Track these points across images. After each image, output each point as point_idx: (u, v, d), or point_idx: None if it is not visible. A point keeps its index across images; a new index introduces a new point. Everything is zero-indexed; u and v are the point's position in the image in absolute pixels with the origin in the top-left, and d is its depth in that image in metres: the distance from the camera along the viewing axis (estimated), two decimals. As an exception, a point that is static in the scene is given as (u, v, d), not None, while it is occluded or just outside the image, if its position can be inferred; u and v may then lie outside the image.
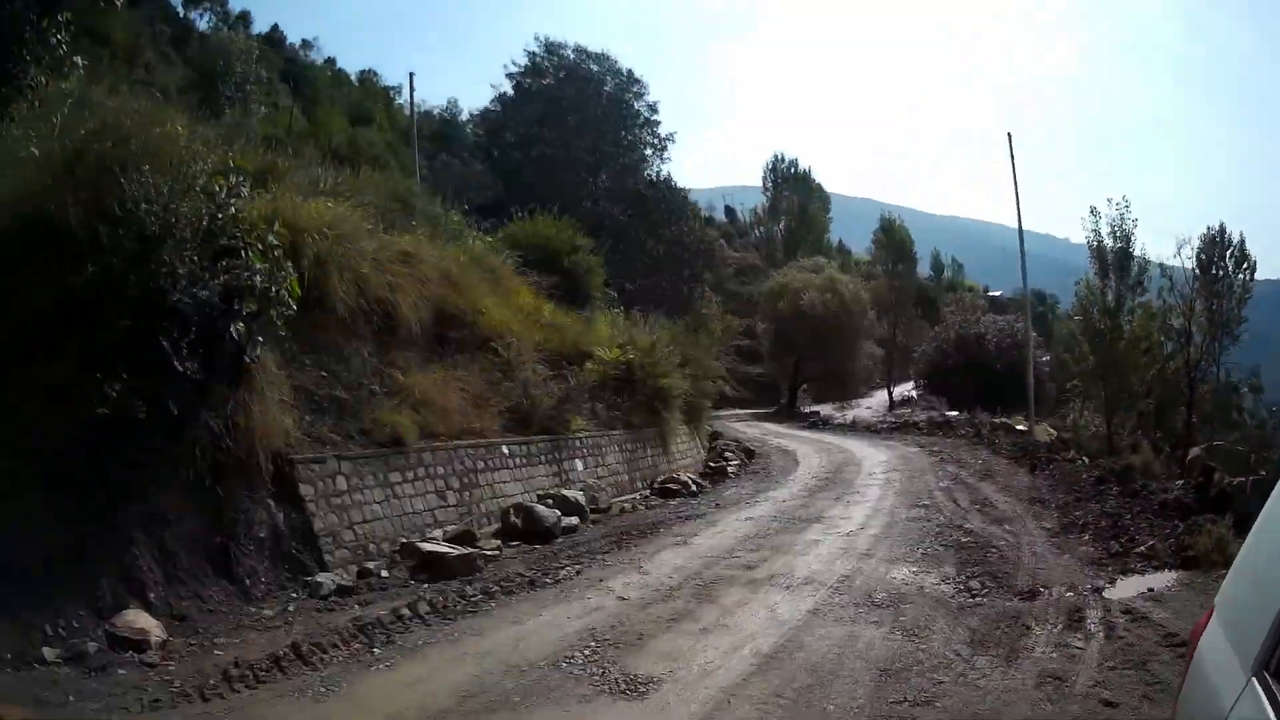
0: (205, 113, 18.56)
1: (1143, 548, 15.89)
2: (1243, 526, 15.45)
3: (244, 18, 65.26)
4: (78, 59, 13.89)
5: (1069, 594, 12.90)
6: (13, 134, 11.22)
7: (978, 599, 12.68)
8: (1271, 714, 2.88)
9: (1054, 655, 10.17)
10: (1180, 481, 22.63)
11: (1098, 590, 13.22)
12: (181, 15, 60.77)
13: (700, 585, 13.13)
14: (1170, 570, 14.63)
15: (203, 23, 61.80)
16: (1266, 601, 3.27)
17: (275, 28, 73.32)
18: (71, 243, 10.00)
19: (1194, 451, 27.07)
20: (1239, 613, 3.69)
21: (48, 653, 8.80)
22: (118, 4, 18.34)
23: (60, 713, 7.78)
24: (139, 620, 9.62)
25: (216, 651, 9.65)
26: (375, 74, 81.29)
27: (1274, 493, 3.79)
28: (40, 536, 9.32)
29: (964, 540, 16.81)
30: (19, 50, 12.61)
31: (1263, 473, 21.22)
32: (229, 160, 12.20)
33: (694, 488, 24.53)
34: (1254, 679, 3.12)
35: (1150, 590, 13.19)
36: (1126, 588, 13.55)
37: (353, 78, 78.86)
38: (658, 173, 59.34)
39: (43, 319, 9.98)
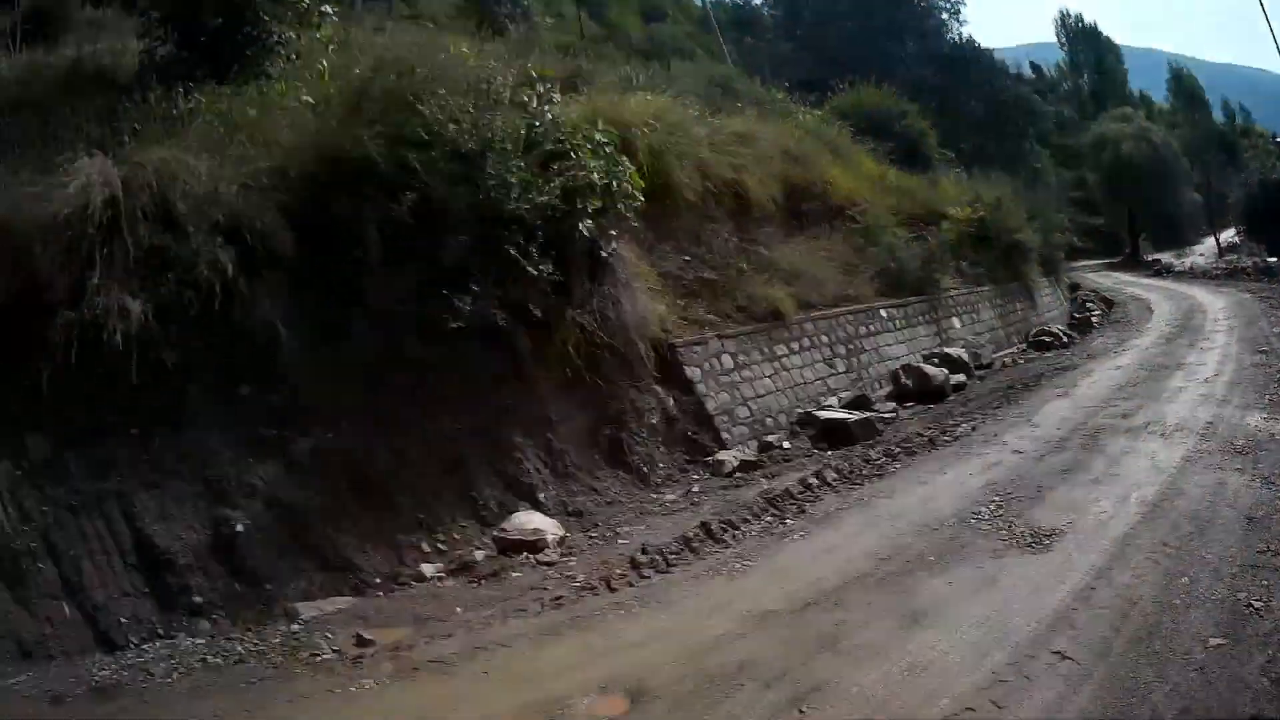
0: (487, 33, 17.66)
1: None
2: None
3: None
4: (326, 8, 13.34)
5: None
6: (276, 89, 10.86)
7: None
8: None
9: None
10: None
11: None
12: None
13: (1086, 435, 12.68)
14: None
15: None
16: None
17: None
18: (381, 173, 9.47)
19: None
20: None
21: (427, 569, 8.46)
22: None
23: (442, 627, 7.33)
24: (531, 521, 9.19)
25: (620, 541, 9.32)
26: None
27: None
28: (414, 457, 9.03)
29: None
30: (254, 14, 11.90)
31: None
32: (530, 71, 11.68)
33: (1064, 339, 23.60)
34: None
35: None
36: None
37: None
38: (959, 34, 56.68)
39: (370, 247, 9.46)
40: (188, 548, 7.77)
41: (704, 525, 9.09)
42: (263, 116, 10.08)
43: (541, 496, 9.71)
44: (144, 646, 7.22)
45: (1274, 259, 45.47)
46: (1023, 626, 6.74)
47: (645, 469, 11.06)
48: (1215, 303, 31.20)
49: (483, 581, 8.35)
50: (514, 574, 8.47)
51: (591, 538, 9.43)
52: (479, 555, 8.74)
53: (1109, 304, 32.79)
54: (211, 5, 11.44)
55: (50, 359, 7.61)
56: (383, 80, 10.22)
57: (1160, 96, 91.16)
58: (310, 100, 10.32)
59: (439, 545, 8.85)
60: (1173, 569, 7.75)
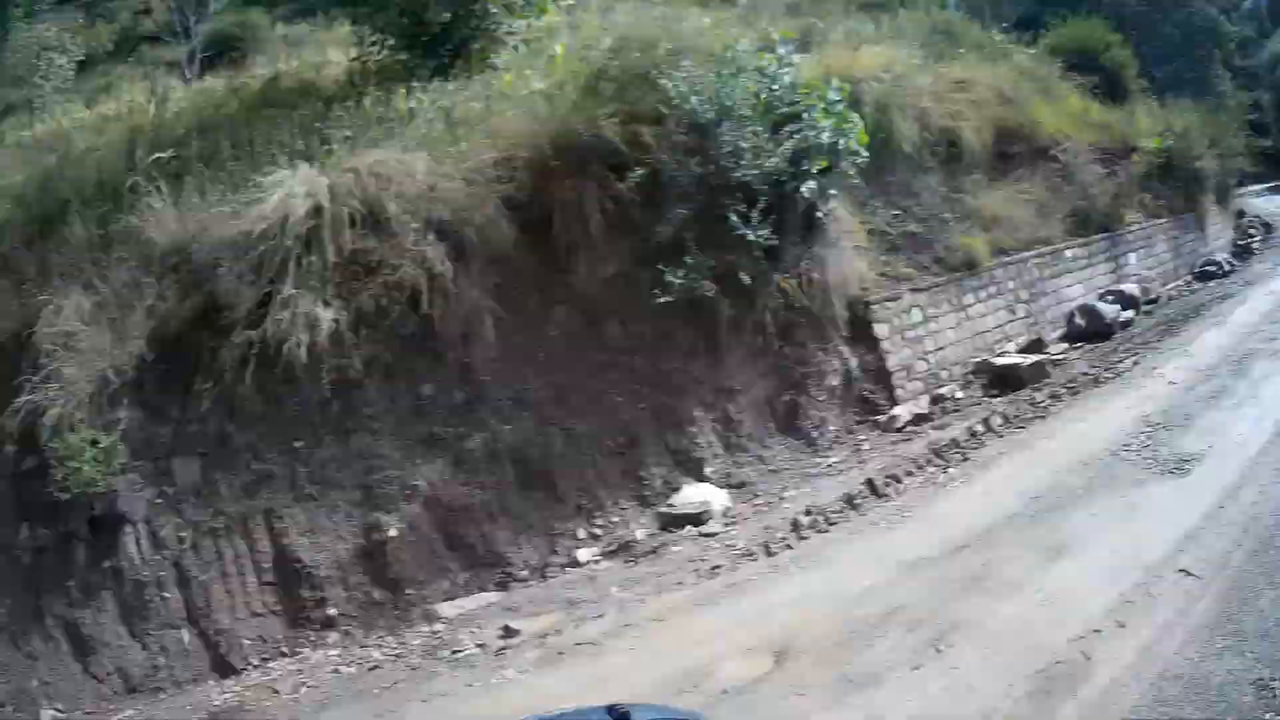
0: (716, 2, 15.86)
1: None
2: None
3: None
4: None
5: None
6: (504, 79, 10.09)
7: None
8: None
9: None
10: None
11: None
12: None
13: (1234, 361, 11.83)
14: None
15: None
16: None
17: None
18: (611, 151, 8.59)
19: None
20: None
21: (583, 555, 7.70)
22: None
23: (594, 609, 6.67)
24: (696, 495, 8.26)
25: (784, 505, 8.35)
26: None
27: None
28: (583, 443, 8.19)
29: None
30: (483, 7, 11.09)
31: None
32: (770, 35, 10.44)
33: (1227, 267, 20.65)
34: None
35: None
36: None
37: None
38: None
39: (591, 227, 8.59)
40: (332, 559, 7.16)
41: (869, 482, 8.36)
42: (489, 109, 9.38)
43: (708, 470, 8.67)
44: (269, 665, 6.72)
45: None
46: (1155, 548, 6.54)
47: (815, 433, 9.73)
48: None
49: (641, 559, 7.57)
50: (674, 548, 7.66)
51: (757, 505, 8.45)
52: (639, 534, 7.92)
53: (1269, 229, 28.89)
54: (440, 1, 10.73)
55: (218, 379, 7.02)
56: (624, 59, 9.29)
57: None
58: (541, 87, 9.50)
59: (595, 530, 7.99)
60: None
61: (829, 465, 9.30)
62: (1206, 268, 20.08)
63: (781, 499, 8.51)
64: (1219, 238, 23.88)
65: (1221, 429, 9.07)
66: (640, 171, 8.51)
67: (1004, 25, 24.94)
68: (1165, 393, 10.58)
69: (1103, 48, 25.33)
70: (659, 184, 8.65)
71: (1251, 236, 25.86)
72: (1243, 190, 36.97)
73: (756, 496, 8.59)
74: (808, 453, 9.50)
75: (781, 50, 9.82)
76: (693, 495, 8.20)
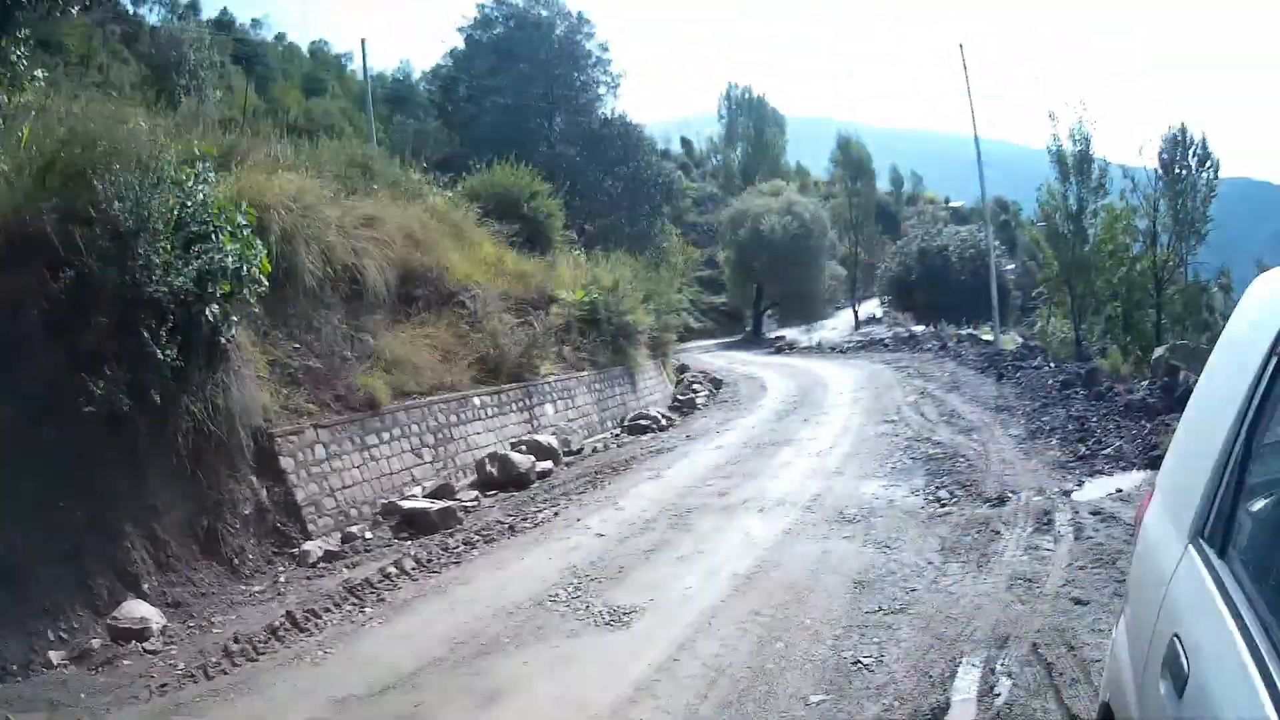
0: (163, 105, 18.46)
1: (1110, 449, 16.40)
2: None
3: (193, 6, 66.27)
4: (38, 72, 14.06)
5: (1037, 498, 13.39)
6: None
7: (947, 508, 13.26)
8: (1206, 576, 3.08)
9: (1024, 558, 10.64)
10: (1145, 382, 23.34)
11: (1066, 493, 13.72)
12: (131, 12, 61.22)
13: (675, 516, 13.61)
14: (1138, 470, 14.94)
15: (153, 16, 62.20)
16: (1195, 473, 3.51)
17: (224, 11, 74.97)
18: (51, 250, 10.00)
19: (1158, 351, 27.34)
20: (1175, 486, 3.92)
21: (54, 656, 8.83)
22: (74, 12, 18.21)
23: (73, 713, 7.80)
24: (138, 610, 9.72)
25: (215, 630, 9.82)
26: (326, 44, 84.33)
27: (1205, 368, 4.05)
28: (41, 544, 9.40)
29: (932, 452, 17.47)
30: None
31: None
32: (194, 148, 12.23)
33: (664, 422, 24.92)
34: (1190, 546, 3.35)
35: (1118, 490, 13.58)
36: (1095, 489, 14.01)
37: (304, 50, 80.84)
38: (611, 111, 59.34)
39: (28, 327, 9.98)
40: None
41: (289, 615, 9.77)
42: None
43: (146, 586, 10.19)
44: None
45: (920, 328, 49.26)
46: (601, 699, 7.56)
47: (236, 560, 11.49)
48: (842, 376, 33.90)
49: (100, 669, 8.74)
50: (125, 661, 8.94)
51: (189, 628, 9.92)
52: (95, 643, 9.12)
53: (717, 384, 34.53)
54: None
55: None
56: (68, 153, 10.68)
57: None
58: (4, 168, 10.60)
59: (62, 634, 9.15)
60: (766, 636, 8.67)
61: (252, 594, 10.93)
62: (639, 421, 24.25)
63: (212, 623, 9.99)
64: (655, 392, 28.52)
65: (664, 583, 10.44)
66: (70, 274, 9.82)
67: (425, 165, 28.96)
68: (593, 545, 12.25)
69: (527, 197, 29.61)
70: (85, 290, 9.99)
71: (696, 392, 31.04)
72: (689, 345, 44.22)
73: (191, 618, 10.10)
74: (232, 579, 11.18)
75: (200, 166, 11.55)
76: (133, 610, 9.62)
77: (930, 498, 13.93)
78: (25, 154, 10.86)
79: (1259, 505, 3.35)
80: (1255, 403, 3.20)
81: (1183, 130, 39.36)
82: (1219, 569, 3.06)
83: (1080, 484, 14.38)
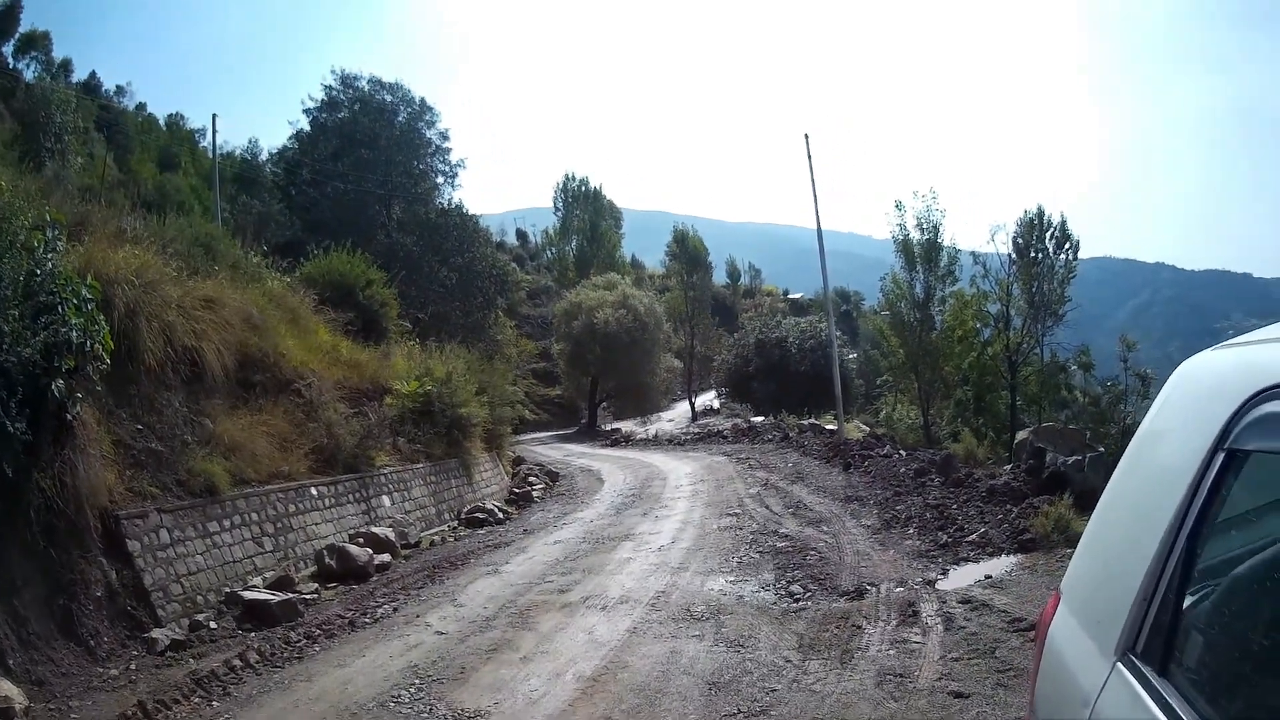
0: (28, 165, 18.52)
1: (974, 536, 16.53)
2: (1084, 505, 15.82)
3: (66, 66, 66.94)
4: None
5: (899, 589, 13.36)
6: None
7: (801, 603, 13.14)
8: (1145, 694, 2.87)
9: (891, 652, 10.52)
10: (1009, 466, 23.47)
11: (930, 583, 13.76)
12: (11, 65, 60.86)
13: (516, 613, 13.60)
14: (1007, 555, 15.24)
15: (29, 72, 62.34)
16: (1122, 581, 3.23)
17: (93, 74, 76.66)
18: None
19: (1022, 434, 27.83)
20: (1092, 595, 3.63)
21: None
22: None
23: None
24: (1, 688, 9.58)
25: (72, 715, 9.82)
26: (182, 117, 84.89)
27: (1120, 464, 3.72)
28: None
29: (780, 545, 17.38)
30: None
31: (1100, 449, 22.20)
32: (45, 214, 12.07)
33: (500, 515, 25.26)
34: (1119, 663, 3.10)
35: (988, 577, 13.74)
36: (961, 577, 14.10)
37: (161, 122, 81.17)
38: (449, 200, 60.44)
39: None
40: None
41: (140, 705, 9.84)
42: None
43: (10, 663, 10.13)
44: None
45: (759, 419, 49.12)
46: None
47: (93, 642, 11.46)
48: (680, 468, 33.82)
49: None
50: None
51: (50, 709, 9.88)
52: None
53: (554, 477, 34.97)
54: None
55: None
56: None
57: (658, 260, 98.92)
58: None
59: None
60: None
61: (108, 678, 10.91)
62: (475, 514, 24.56)
63: (70, 706, 9.97)
64: (491, 484, 28.96)
65: (508, 684, 10.40)
66: None
67: (265, 248, 29.03)
68: (434, 643, 12.23)
69: (363, 285, 30.25)
70: None
71: (532, 485, 31.50)
72: (525, 438, 44.52)
73: (54, 698, 10.10)
74: (89, 661, 11.15)
75: (51, 233, 11.53)
76: None
77: (782, 593, 13.82)
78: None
79: (1204, 606, 3.09)
80: (1199, 502, 2.97)
81: (1040, 214, 41.18)
82: (1161, 688, 2.84)
83: (945, 573, 14.50)
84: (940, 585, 13.64)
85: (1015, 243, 41.43)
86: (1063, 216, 41.37)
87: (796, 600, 13.37)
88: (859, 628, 11.55)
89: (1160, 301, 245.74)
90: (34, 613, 10.92)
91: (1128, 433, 36.68)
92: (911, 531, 17.96)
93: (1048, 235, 41.20)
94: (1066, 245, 41.10)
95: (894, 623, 11.65)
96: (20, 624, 10.64)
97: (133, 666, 11.47)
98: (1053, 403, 42.62)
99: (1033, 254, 40.97)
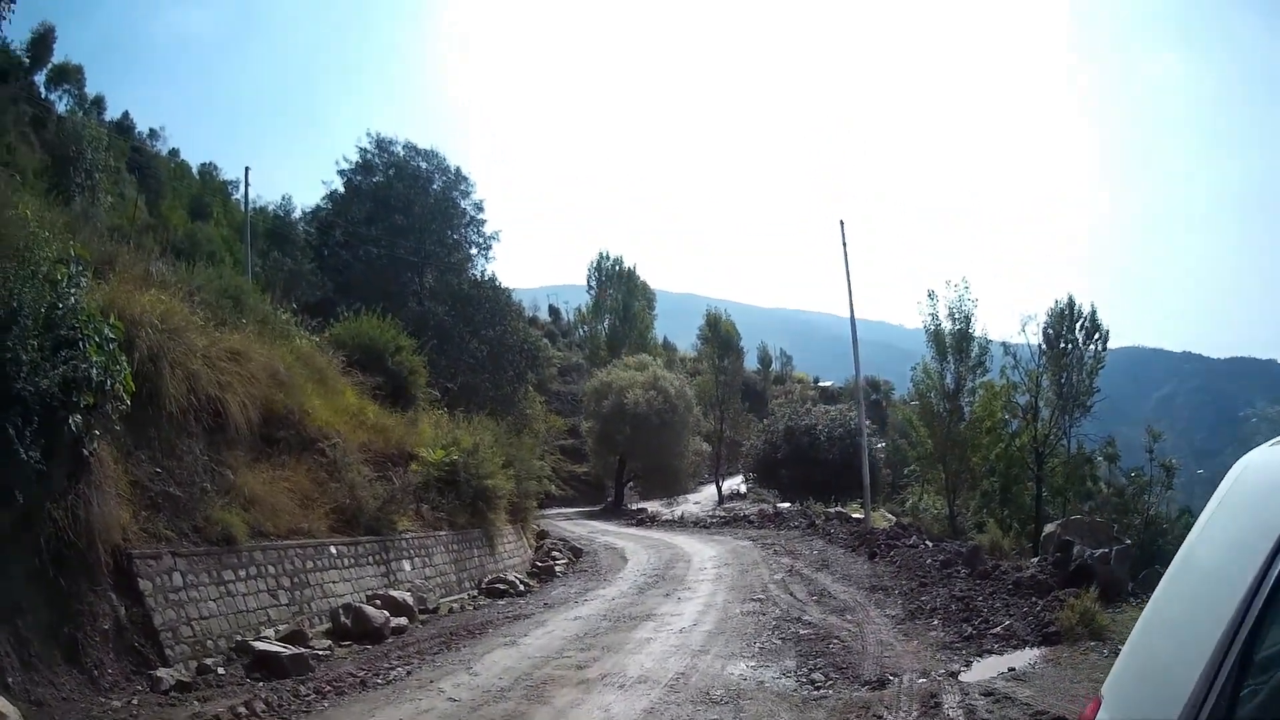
0: (56, 198, 18.53)
1: (999, 628, 16.14)
2: (1109, 598, 15.80)
3: (99, 102, 67.53)
4: None
5: (921, 680, 12.79)
6: None
7: (822, 691, 12.65)
8: None
9: None
10: (1036, 559, 23.14)
11: (953, 674, 13.22)
12: (44, 95, 61.46)
13: (531, 686, 13.13)
14: (1032, 648, 14.80)
15: (62, 105, 63.21)
16: (1173, 684, 3.05)
17: (126, 115, 77.78)
18: None
19: (1049, 527, 27.35)
20: (1139, 698, 3.45)
21: None
22: None
23: None
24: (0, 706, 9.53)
25: None
26: (215, 167, 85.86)
27: (1173, 564, 3.56)
28: None
29: (803, 632, 16.86)
30: None
31: (1127, 542, 21.86)
32: (70, 249, 12.13)
33: (522, 587, 25.17)
34: None
35: (1011, 670, 13.23)
36: (984, 669, 13.65)
37: (194, 170, 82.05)
38: (482, 272, 60.19)
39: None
40: None
41: None
42: None
43: (10, 681, 10.14)
44: None
45: (786, 504, 48.84)
46: None
47: (96, 672, 11.45)
48: (705, 551, 33.40)
49: None
50: None
51: None
52: None
53: (577, 553, 34.85)
54: None
55: None
56: None
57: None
58: None
59: None
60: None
61: (110, 709, 10.90)
62: (496, 585, 24.39)
63: None
64: (514, 556, 28.78)
65: None
66: None
67: (295, 306, 29.59)
68: (446, 709, 11.85)
69: (392, 350, 30.18)
70: None
71: (555, 559, 31.36)
72: (550, 512, 44.29)
73: None
74: (92, 690, 11.18)
75: (74, 268, 11.59)
76: None
77: (803, 680, 13.30)
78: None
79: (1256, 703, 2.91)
80: (1259, 603, 2.86)
81: (1070, 303, 40.82)
82: None
83: (968, 664, 14.05)
84: (964, 677, 13.20)
85: (1045, 333, 41.15)
86: (1093, 306, 41.15)
87: (818, 688, 12.93)
88: (880, 718, 11.16)
89: (1185, 391, 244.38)
90: (37, 636, 10.88)
91: (1151, 523, 36.24)
92: (936, 622, 17.60)
93: (1078, 325, 40.91)
94: (1096, 335, 40.85)
95: (915, 714, 11.23)
96: (22, 645, 10.61)
97: (135, 701, 11.39)
98: (1078, 494, 42.11)
99: (1062, 344, 40.66)
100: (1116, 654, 12.03)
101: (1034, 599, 17.62)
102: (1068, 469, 41.01)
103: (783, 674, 13.77)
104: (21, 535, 10.91)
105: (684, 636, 16.90)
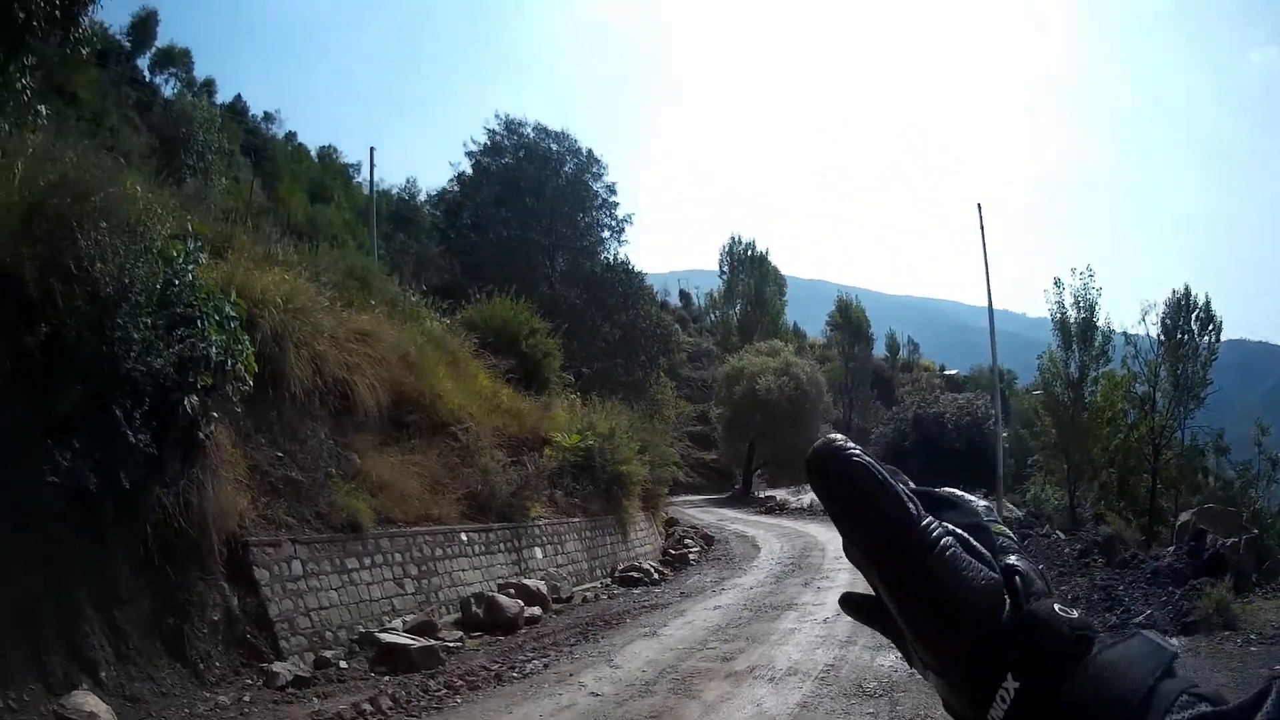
0: (167, 179, 18.10)
1: (1140, 618, 15.84)
2: (1241, 588, 16.02)
3: (209, 85, 67.65)
4: (42, 108, 13.66)
5: None
6: None
7: None
8: None
9: None
10: (1171, 548, 22.37)
11: None
12: (148, 79, 62.28)
13: (677, 679, 12.48)
14: (1172, 638, 13.41)
15: (168, 89, 63.26)
16: None
17: (238, 98, 76.57)
18: (28, 300, 9.69)
19: (1184, 516, 26.65)
20: None
21: None
22: (84, 53, 18.06)
23: None
24: (88, 703, 9.05)
25: None
26: (335, 150, 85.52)
27: None
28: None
29: None
30: None
31: (1255, 530, 21.21)
32: (187, 224, 11.75)
33: (656, 576, 24.52)
34: None
35: None
36: None
37: (313, 153, 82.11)
38: (615, 255, 59.38)
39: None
40: None
41: None
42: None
43: (103, 675, 9.65)
44: None
45: None
46: None
47: (202, 666, 10.97)
48: (838, 540, 32.81)
49: None
50: None
51: None
52: None
53: (708, 540, 33.94)
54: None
55: None
56: (58, 200, 10.23)
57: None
58: None
59: (11, 704, 8.68)
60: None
61: (216, 704, 10.41)
62: (630, 573, 23.67)
63: None
64: (646, 544, 28.09)
65: None
66: (44, 330, 9.60)
67: (424, 288, 28.88)
68: (588, 705, 11.20)
69: (525, 333, 29.51)
70: (60, 350, 9.70)
71: (688, 547, 30.48)
72: (677, 499, 43.64)
73: (149, 717, 9.72)
74: (195, 684, 10.68)
75: (191, 244, 11.22)
76: (83, 703, 8.98)
77: None
78: (17, 193, 10.42)
79: None
80: None
81: (1186, 293, 39.63)
82: None
83: None
84: None
85: (1164, 323, 39.88)
86: (1207, 296, 39.97)
87: (969, 678, 12.07)
88: None
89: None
90: (138, 629, 10.42)
91: (1257, 516, 34.79)
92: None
93: (1193, 316, 39.65)
94: (1210, 326, 39.53)
95: None
96: (120, 637, 10.14)
97: (246, 698, 10.87)
98: (1189, 486, 40.92)
99: (1179, 335, 39.44)
100: (1250, 644, 11.20)
101: (1171, 588, 17.53)
102: (1181, 461, 39.84)
103: (933, 665, 12.99)
104: (127, 521, 10.36)
105: (829, 627, 16.22)
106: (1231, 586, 15.66)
